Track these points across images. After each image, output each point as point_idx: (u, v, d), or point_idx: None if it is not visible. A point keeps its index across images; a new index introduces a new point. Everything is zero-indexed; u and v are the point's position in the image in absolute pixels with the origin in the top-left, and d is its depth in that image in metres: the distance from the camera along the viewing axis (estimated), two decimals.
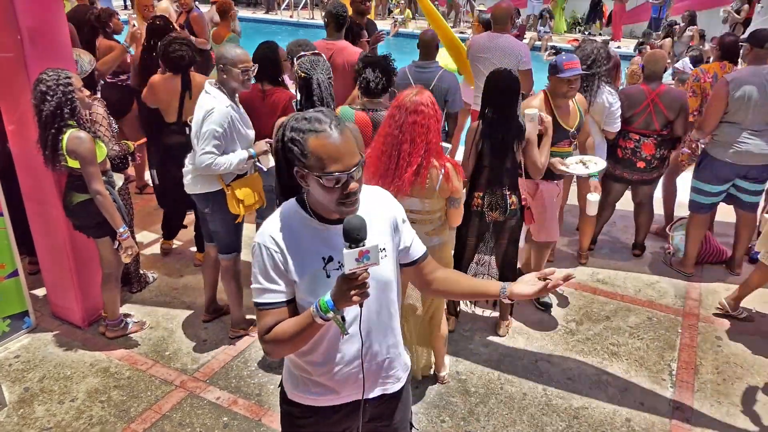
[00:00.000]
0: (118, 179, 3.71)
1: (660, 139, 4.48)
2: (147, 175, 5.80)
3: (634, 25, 16.59)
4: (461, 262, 3.72)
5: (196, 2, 6.65)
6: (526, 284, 1.81)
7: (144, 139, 4.22)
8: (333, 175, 1.60)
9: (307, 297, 1.67)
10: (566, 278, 1.78)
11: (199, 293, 4.24)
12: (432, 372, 3.51)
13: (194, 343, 3.80)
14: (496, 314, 4.03)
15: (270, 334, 1.71)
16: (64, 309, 3.94)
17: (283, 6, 20.30)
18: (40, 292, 4.15)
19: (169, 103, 4.15)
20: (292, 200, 1.79)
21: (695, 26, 10.66)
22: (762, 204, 4.67)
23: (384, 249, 1.79)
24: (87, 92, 3.39)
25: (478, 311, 4.15)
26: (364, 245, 1.53)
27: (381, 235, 1.79)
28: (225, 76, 3.30)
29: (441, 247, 3.08)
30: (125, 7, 17.92)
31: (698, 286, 4.56)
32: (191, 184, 3.49)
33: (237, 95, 3.43)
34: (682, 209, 5.37)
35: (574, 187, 4.81)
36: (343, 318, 1.63)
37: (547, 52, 14.07)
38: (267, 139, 3.45)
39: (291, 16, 19.27)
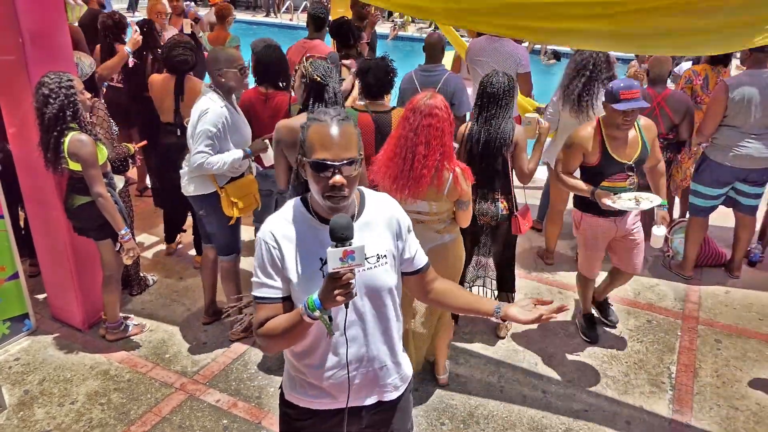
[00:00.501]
0: (119, 181, 3.72)
1: (665, 143, 4.49)
2: (148, 178, 5.82)
3: None
4: None
5: (188, 4, 6.65)
6: (521, 309, 1.80)
7: (144, 142, 4.24)
8: (319, 161, 1.62)
9: (303, 296, 1.68)
10: (559, 310, 1.79)
11: (199, 296, 4.25)
12: (428, 370, 3.52)
13: (194, 345, 3.80)
14: None
15: (263, 328, 1.74)
16: (64, 311, 3.94)
17: (283, 9, 20.34)
18: (41, 294, 4.15)
19: (163, 101, 4.20)
20: (298, 198, 1.81)
21: None
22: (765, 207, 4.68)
23: (385, 256, 1.79)
24: (88, 95, 3.40)
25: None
26: (350, 245, 1.53)
27: (381, 242, 1.79)
28: (222, 79, 3.32)
29: (454, 244, 3.09)
30: (127, 9, 17.97)
31: (697, 289, 4.57)
32: (187, 186, 3.51)
33: (234, 96, 3.45)
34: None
35: None
36: (330, 318, 1.63)
37: (546, 56, 14.11)
38: (266, 135, 3.47)
39: (291, 20, 19.29)
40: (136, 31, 4.67)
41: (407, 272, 1.93)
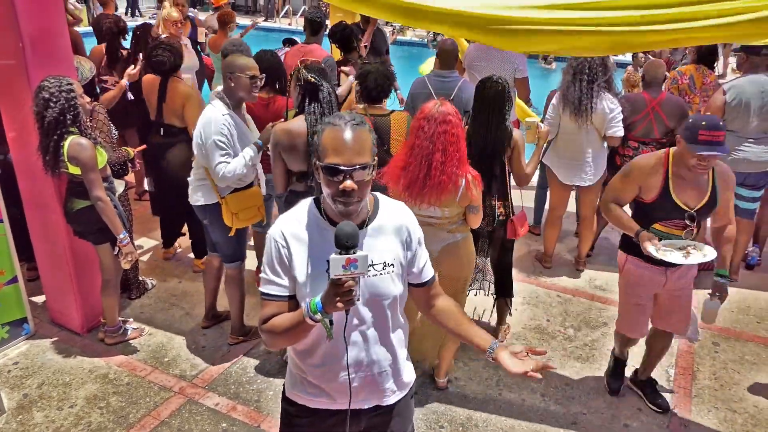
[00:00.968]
0: (119, 185, 3.72)
1: (659, 147, 4.50)
2: (146, 182, 5.82)
3: None
4: None
5: (192, 9, 6.71)
6: (512, 359, 1.74)
7: (144, 146, 4.26)
8: (331, 165, 1.63)
9: (309, 296, 1.69)
10: (545, 368, 1.75)
11: (197, 300, 4.25)
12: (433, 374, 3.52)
13: (193, 349, 3.80)
14: (494, 319, 4.04)
15: (266, 325, 1.76)
16: (63, 315, 3.94)
17: (282, 14, 20.38)
18: (39, 298, 4.15)
19: (150, 102, 4.28)
20: (311, 199, 1.82)
21: None
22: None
23: (392, 264, 1.79)
24: (88, 99, 3.42)
25: (477, 318, 4.16)
26: (353, 253, 1.53)
27: (389, 249, 1.80)
28: (233, 85, 3.30)
29: (465, 241, 3.13)
30: (126, 14, 18.02)
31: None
32: (192, 195, 3.52)
33: (243, 106, 3.43)
34: None
35: (572, 192, 4.83)
36: (331, 322, 1.64)
37: (547, 60, 14.14)
38: (271, 123, 3.46)
39: (289, 24, 19.34)
40: (133, 67, 4.66)
41: (413, 284, 1.93)
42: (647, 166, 2.96)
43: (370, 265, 1.73)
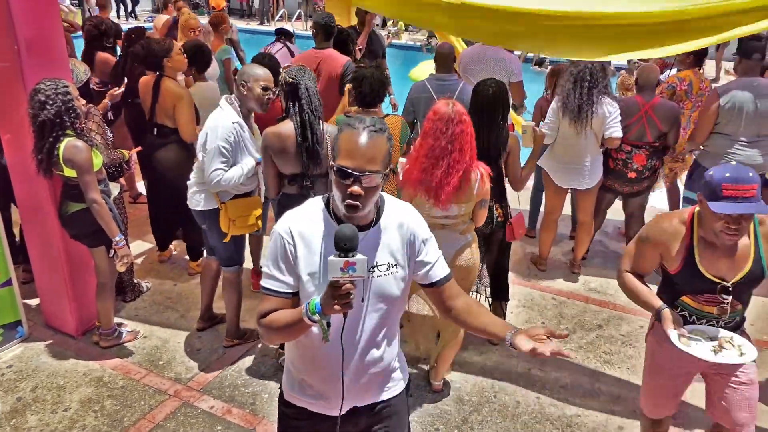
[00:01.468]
0: (114, 188, 3.72)
1: (652, 150, 4.54)
2: (140, 185, 5.82)
3: None
4: None
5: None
6: (530, 340, 1.69)
7: (139, 148, 4.26)
8: (342, 168, 1.63)
9: (311, 295, 1.70)
10: (558, 354, 1.72)
11: (193, 302, 4.25)
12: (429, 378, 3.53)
13: (188, 352, 3.79)
14: None
15: (265, 319, 1.77)
16: (57, 318, 3.93)
17: (277, 17, 20.40)
18: (33, 301, 4.13)
19: (145, 102, 4.29)
20: (320, 197, 1.82)
21: None
22: None
23: (395, 265, 1.79)
24: (83, 101, 3.41)
25: None
26: (352, 256, 1.54)
27: (393, 250, 1.80)
28: (245, 93, 3.30)
29: (474, 241, 3.18)
30: (118, 17, 18.00)
31: None
32: (192, 200, 3.52)
33: (252, 116, 3.43)
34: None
35: (569, 196, 4.85)
36: (328, 324, 1.64)
37: (540, 65, 14.18)
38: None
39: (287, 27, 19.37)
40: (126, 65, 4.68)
41: (425, 284, 1.91)
42: (667, 230, 2.41)
43: (373, 266, 1.74)
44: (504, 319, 3.97)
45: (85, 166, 3.21)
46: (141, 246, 5.10)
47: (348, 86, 4.14)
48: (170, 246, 4.94)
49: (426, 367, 3.61)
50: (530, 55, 14.89)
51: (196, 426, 3.20)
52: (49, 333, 3.93)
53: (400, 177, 3.03)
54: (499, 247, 3.73)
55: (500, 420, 3.30)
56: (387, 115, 3.64)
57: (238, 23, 19.15)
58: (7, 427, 3.17)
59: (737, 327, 2.49)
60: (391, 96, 6.31)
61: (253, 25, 20.04)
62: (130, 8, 19.02)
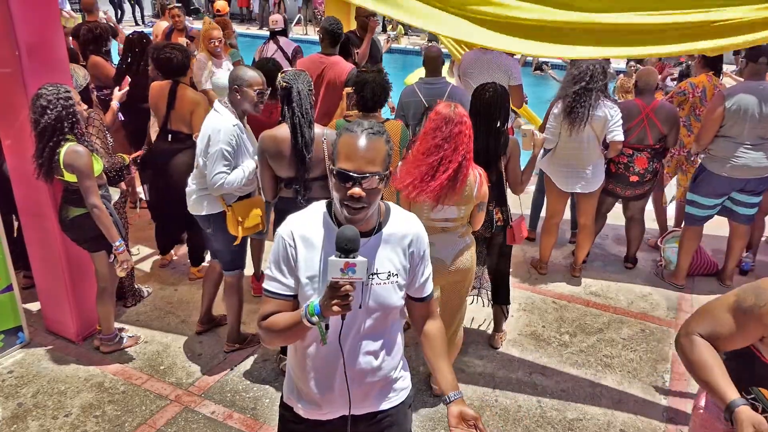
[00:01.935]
0: (114, 193, 3.72)
1: (653, 153, 4.54)
2: (139, 189, 5.82)
3: None
4: None
5: (190, 19, 6.73)
6: (457, 419, 1.74)
7: (140, 152, 4.26)
8: (341, 171, 1.64)
9: (311, 298, 1.70)
10: None
11: (194, 307, 4.25)
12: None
13: (189, 357, 3.79)
14: (491, 326, 4.05)
15: (265, 322, 1.78)
16: (58, 323, 3.93)
17: (293, 24, 20.45)
18: (34, 306, 4.13)
19: (158, 108, 4.27)
20: (323, 201, 1.83)
21: None
22: None
23: (397, 275, 1.80)
24: (84, 106, 3.43)
25: (474, 325, 4.17)
26: (353, 257, 1.54)
27: (395, 259, 1.80)
28: (239, 97, 3.31)
29: (472, 245, 3.20)
30: (119, 21, 18.07)
31: (690, 298, 4.60)
32: (195, 205, 3.52)
33: (245, 118, 3.44)
34: (670, 221, 5.45)
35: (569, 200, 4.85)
36: (327, 327, 1.64)
37: (542, 69, 14.22)
38: None
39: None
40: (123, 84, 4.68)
41: (414, 297, 1.92)
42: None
43: (374, 274, 1.74)
44: (505, 321, 3.97)
45: (86, 171, 3.22)
46: (142, 251, 5.10)
47: (347, 90, 4.16)
48: (171, 251, 4.95)
49: (426, 372, 3.61)
50: (530, 59, 14.93)
51: (197, 431, 3.20)
52: (49, 338, 3.92)
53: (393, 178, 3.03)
54: (499, 251, 3.73)
55: (501, 424, 3.30)
56: (387, 119, 3.65)
57: (238, 28, 19.23)
58: None
59: None
60: (389, 100, 6.31)
61: (253, 30, 20.09)
62: (139, 13, 19.16)
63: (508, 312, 3.97)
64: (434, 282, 2.02)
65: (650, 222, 5.33)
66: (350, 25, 6.04)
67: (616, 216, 5.11)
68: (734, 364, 1.81)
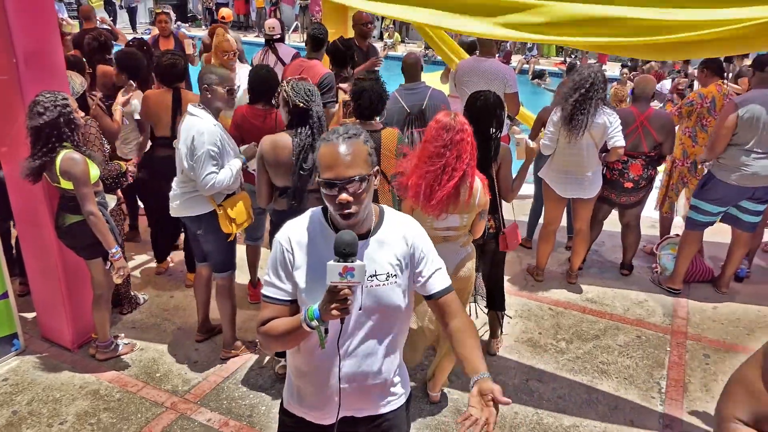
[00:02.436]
0: (111, 200, 3.73)
1: (647, 160, 4.56)
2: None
3: None
4: None
5: (180, 24, 6.70)
6: (479, 399, 1.67)
7: (137, 159, 4.26)
8: (325, 180, 1.67)
9: (309, 302, 1.71)
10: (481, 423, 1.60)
11: (189, 314, 4.24)
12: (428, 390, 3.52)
13: (185, 364, 3.78)
14: (487, 333, 4.05)
15: (264, 327, 1.79)
16: (53, 331, 3.91)
17: (290, 31, 20.51)
18: (29, 314, 4.12)
19: (159, 117, 4.26)
20: (319, 207, 1.85)
21: None
22: None
23: (395, 275, 1.80)
24: (81, 113, 3.43)
25: None
26: (351, 262, 1.55)
27: (392, 261, 1.81)
28: (210, 96, 3.37)
29: (472, 255, 3.22)
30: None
31: (686, 305, 4.62)
32: (181, 208, 3.53)
33: (218, 116, 3.50)
34: (674, 228, 5.46)
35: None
36: (326, 331, 1.65)
37: (541, 77, 14.29)
38: (253, 143, 3.56)
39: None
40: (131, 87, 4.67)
41: (424, 296, 1.92)
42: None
43: (373, 276, 1.75)
44: (501, 329, 3.97)
45: (82, 178, 3.22)
46: (138, 258, 5.09)
47: (343, 98, 4.18)
48: (168, 258, 4.94)
49: (423, 379, 3.61)
50: (525, 66, 15.01)
51: None
52: (45, 346, 3.91)
53: (398, 186, 3.04)
54: (492, 258, 3.73)
55: (498, 431, 3.29)
56: (384, 127, 3.66)
57: (235, 35, 19.29)
58: None
59: None
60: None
61: (251, 37, 20.14)
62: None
63: (503, 318, 3.98)
64: None
65: (646, 229, 5.35)
66: (347, 32, 6.06)
67: (612, 223, 5.12)
68: None
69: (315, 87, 3.31)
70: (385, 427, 1.97)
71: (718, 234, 4.91)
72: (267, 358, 3.79)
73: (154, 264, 4.94)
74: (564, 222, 5.10)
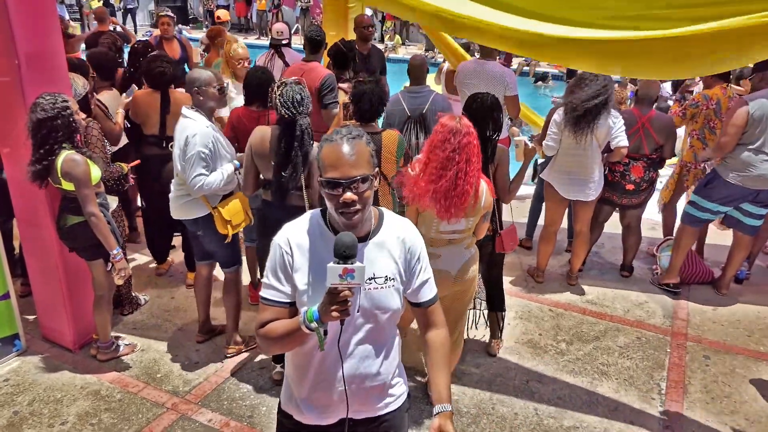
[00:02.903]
0: (112, 201, 3.74)
1: (649, 162, 4.57)
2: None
3: None
4: None
5: (181, 28, 6.73)
6: None
7: (138, 161, 4.27)
8: (330, 180, 1.67)
9: (308, 305, 1.72)
10: None
11: (190, 315, 4.25)
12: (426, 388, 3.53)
13: (186, 364, 3.79)
14: (488, 334, 4.06)
15: (263, 329, 1.79)
16: (55, 332, 3.92)
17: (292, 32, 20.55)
18: (31, 315, 4.13)
19: (148, 116, 4.32)
20: (318, 210, 1.86)
21: None
22: None
23: (393, 279, 1.81)
24: (83, 115, 3.44)
25: (471, 333, 4.17)
26: (351, 263, 1.56)
27: (391, 264, 1.82)
28: (201, 98, 3.40)
29: (476, 256, 3.23)
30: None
31: (686, 307, 4.62)
32: (180, 211, 3.56)
33: (213, 116, 3.53)
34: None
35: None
36: (325, 332, 1.66)
37: (544, 80, 14.28)
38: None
39: None
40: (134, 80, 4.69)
41: (411, 302, 1.93)
42: None
43: (371, 279, 1.76)
44: (502, 330, 3.98)
45: (83, 180, 3.23)
46: (139, 259, 5.10)
47: (343, 100, 4.19)
48: (168, 259, 4.95)
49: (423, 380, 3.61)
50: (526, 69, 15.02)
51: None
52: (46, 346, 3.92)
53: (403, 190, 3.04)
54: (489, 260, 3.74)
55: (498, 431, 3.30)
56: (384, 129, 3.68)
57: (237, 37, 19.32)
58: None
59: None
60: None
61: (251, 39, 20.18)
62: (131, 23, 19.25)
63: (503, 319, 3.98)
64: (438, 292, 2.01)
65: (647, 230, 5.35)
66: (348, 35, 6.07)
67: (612, 225, 5.13)
68: None
69: (306, 93, 3.26)
70: (385, 428, 1.98)
71: (718, 236, 4.92)
72: (268, 360, 3.80)
73: (154, 265, 4.94)
74: (564, 224, 5.11)
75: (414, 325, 4.12)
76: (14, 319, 3.77)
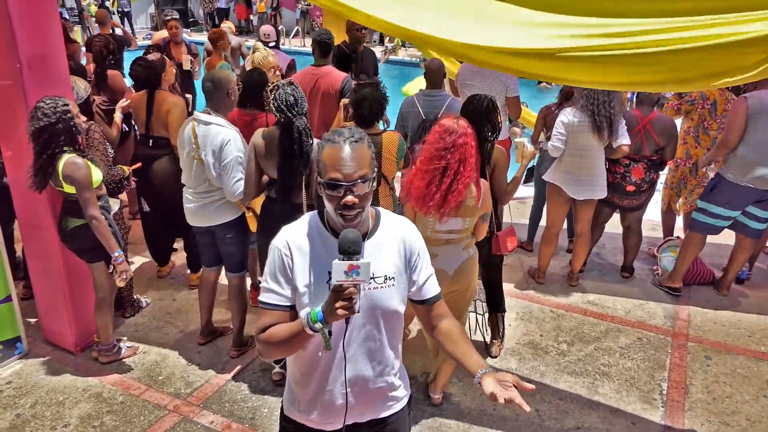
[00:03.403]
0: (114, 204, 3.75)
1: (649, 163, 4.57)
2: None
3: None
4: None
5: (187, 31, 6.77)
6: (496, 385, 1.70)
7: (139, 164, 4.28)
8: (331, 181, 1.67)
9: (309, 307, 1.71)
10: (518, 404, 1.68)
11: (192, 317, 4.25)
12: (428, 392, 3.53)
13: (188, 367, 3.79)
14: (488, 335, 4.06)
15: (264, 334, 1.77)
16: (56, 334, 3.93)
17: (291, 36, 20.56)
18: (32, 318, 4.14)
19: (138, 116, 4.42)
20: (315, 212, 1.85)
21: None
22: None
23: (393, 278, 1.81)
24: (84, 118, 3.45)
25: (471, 334, 4.17)
26: (357, 259, 1.56)
27: (390, 263, 1.82)
28: (233, 99, 3.49)
29: (475, 257, 3.23)
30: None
31: (687, 307, 4.62)
32: (210, 216, 3.57)
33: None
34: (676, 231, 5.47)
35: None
36: (330, 332, 1.65)
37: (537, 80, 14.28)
38: None
39: (283, 44, 19.52)
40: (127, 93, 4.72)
41: (415, 300, 1.93)
42: None
43: (371, 278, 1.75)
44: (502, 332, 3.98)
45: (84, 183, 3.24)
46: (140, 261, 5.11)
47: (343, 101, 4.20)
48: (170, 261, 4.96)
49: (425, 381, 3.61)
50: None
51: None
52: (48, 349, 3.93)
53: (399, 190, 3.06)
54: (486, 261, 3.74)
55: None
56: (384, 130, 3.68)
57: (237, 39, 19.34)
58: None
59: None
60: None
61: (252, 42, 20.19)
62: (128, 25, 19.25)
63: (504, 320, 3.99)
64: None
65: (647, 231, 5.36)
66: (343, 37, 6.08)
67: (613, 225, 5.13)
68: None
69: (300, 94, 3.24)
70: (389, 431, 1.98)
71: (719, 237, 4.91)
72: (270, 362, 3.80)
73: (157, 268, 4.95)
74: (565, 225, 5.11)
75: (411, 326, 4.12)
76: (16, 321, 3.78)
